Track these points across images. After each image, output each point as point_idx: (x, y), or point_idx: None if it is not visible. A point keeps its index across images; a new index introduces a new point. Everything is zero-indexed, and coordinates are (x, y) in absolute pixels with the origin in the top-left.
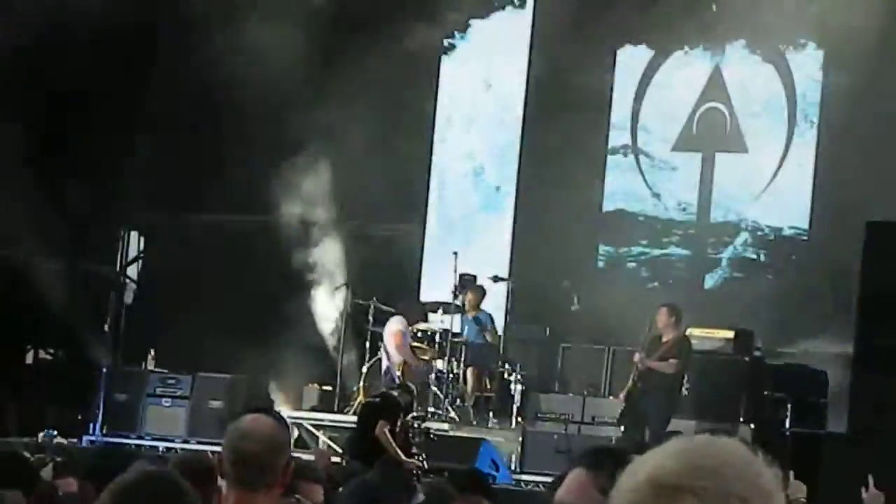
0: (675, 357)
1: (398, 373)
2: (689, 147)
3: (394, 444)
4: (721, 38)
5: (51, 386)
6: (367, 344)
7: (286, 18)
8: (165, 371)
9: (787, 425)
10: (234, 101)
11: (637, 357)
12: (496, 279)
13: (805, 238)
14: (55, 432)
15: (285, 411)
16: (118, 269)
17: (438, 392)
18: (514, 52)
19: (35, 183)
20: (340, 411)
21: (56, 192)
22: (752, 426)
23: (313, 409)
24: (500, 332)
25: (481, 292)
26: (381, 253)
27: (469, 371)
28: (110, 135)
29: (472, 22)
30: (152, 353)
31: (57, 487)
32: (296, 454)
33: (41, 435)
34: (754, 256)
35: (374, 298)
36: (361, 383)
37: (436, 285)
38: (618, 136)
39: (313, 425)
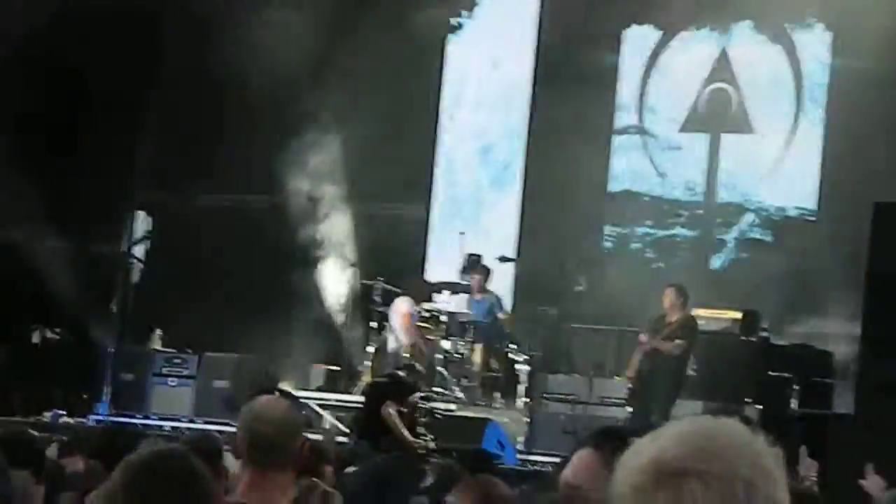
0: (682, 338)
1: (405, 353)
2: (695, 128)
3: (400, 425)
4: (728, 19)
5: (57, 366)
6: (374, 324)
7: None
8: (172, 351)
9: (794, 406)
10: (240, 81)
11: (643, 338)
12: (503, 259)
13: (812, 219)
14: (61, 412)
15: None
16: (125, 248)
17: (445, 372)
18: (522, 30)
19: (41, 163)
20: (347, 391)
21: (62, 171)
22: (759, 407)
23: (320, 389)
24: (507, 310)
25: (486, 272)
26: (387, 233)
27: (475, 351)
28: (117, 115)
29: (479, 0)
30: (159, 332)
31: (63, 467)
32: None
33: (47, 415)
34: (761, 237)
35: (381, 279)
36: (368, 363)
37: (442, 265)
38: (624, 116)
39: (319, 405)
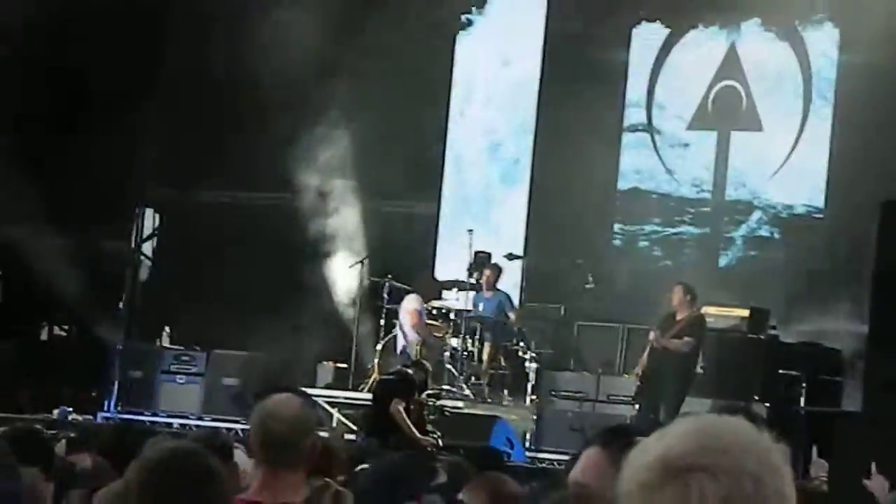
0: (690, 335)
1: (414, 351)
2: (704, 125)
3: (408, 422)
4: (736, 16)
5: (65, 363)
6: (382, 321)
7: None
8: (180, 348)
9: (802, 403)
10: (249, 78)
11: (652, 336)
12: (511, 257)
13: (820, 216)
14: (70, 409)
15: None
16: (133, 245)
17: (453, 369)
18: (531, 28)
19: (50, 159)
20: (355, 388)
21: (71, 169)
22: (767, 404)
23: (328, 387)
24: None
25: (498, 270)
26: (396, 230)
27: (484, 348)
28: (125, 112)
29: None
30: (167, 329)
31: (73, 464)
32: None
33: (56, 412)
34: (769, 235)
35: (389, 276)
36: (376, 360)
37: (451, 263)
38: (633, 113)
39: (328, 402)
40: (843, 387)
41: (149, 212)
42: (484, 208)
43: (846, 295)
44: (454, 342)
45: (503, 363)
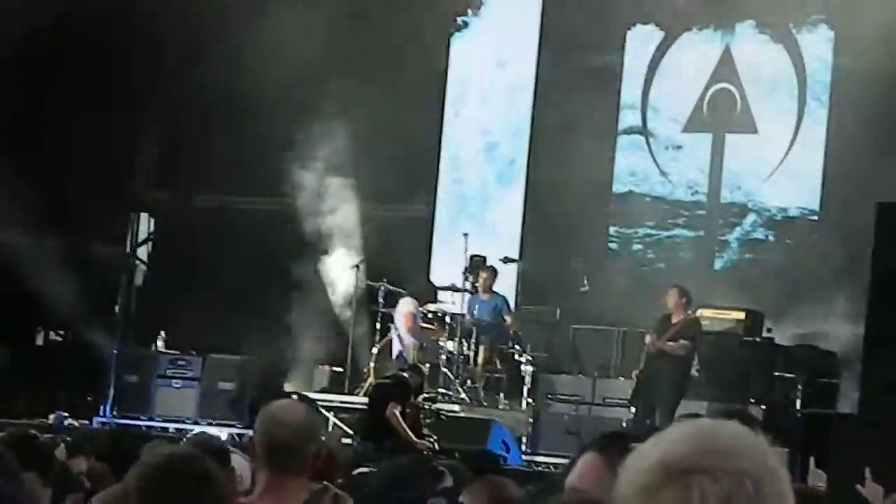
0: (685, 338)
1: (410, 354)
2: (699, 128)
3: (404, 426)
4: (731, 19)
5: (61, 368)
6: (378, 325)
7: None
8: (176, 352)
9: (798, 406)
10: (244, 82)
11: (648, 339)
12: (506, 260)
13: (815, 219)
14: (65, 414)
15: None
16: (128, 250)
17: (449, 373)
18: (526, 30)
19: (44, 164)
20: (351, 392)
21: (66, 173)
22: (763, 407)
23: (324, 391)
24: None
25: (494, 273)
26: (391, 233)
27: (480, 352)
28: (119, 117)
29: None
30: (163, 334)
31: (69, 468)
32: None
33: (51, 417)
34: (764, 237)
35: (385, 280)
36: (372, 364)
37: (447, 266)
38: (628, 116)
39: (324, 406)
40: (839, 389)
41: (144, 216)
42: (480, 208)
43: (842, 297)
44: (450, 345)
45: (499, 366)
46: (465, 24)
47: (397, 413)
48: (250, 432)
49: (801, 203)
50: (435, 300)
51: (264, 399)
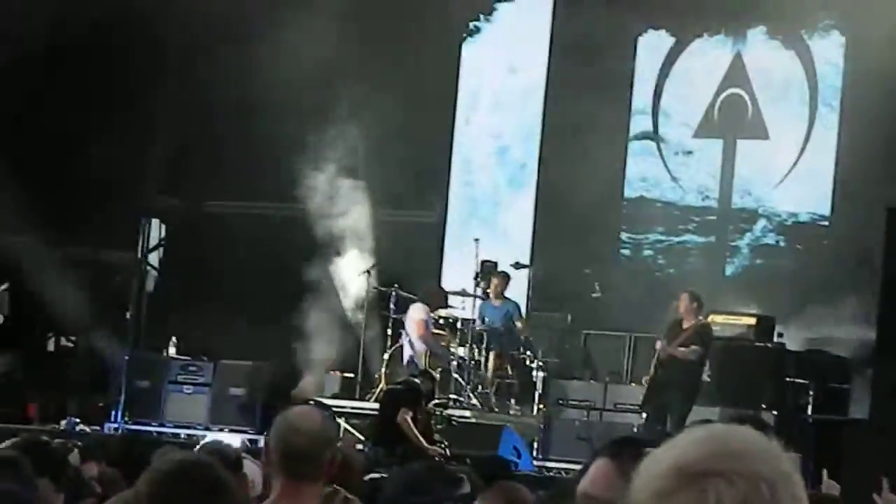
0: (697, 343)
1: (421, 360)
2: (710, 133)
3: (416, 432)
4: (742, 24)
5: (72, 374)
6: (389, 331)
7: (309, 0)
8: (187, 358)
9: (809, 412)
10: (254, 87)
11: (659, 344)
12: (518, 266)
13: (827, 224)
14: (77, 420)
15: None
16: (139, 256)
17: (460, 379)
18: (537, 36)
19: (56, 171)
20: (362, 398)
21: (77, 179)
22: (774, 412)
23: (335, 396)
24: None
25: (506, 279)
26: (403, 239)
27: (490, 358)
28: (130, 121)
29: (498, 5)
30: (174, 340)
31: (82, 473)
32: None
33: (63, 422)
34: (775, 243)
35: (396, 285)
36: (383, 370)
37: (459, 271)
38: (639, 121)
39: (335, 412)
40: (850, 394)
41: (155, 222)
42: (491, 212)
43: (853, 302)
44: (461, 351)
45: (510, 372)
46: (477, 30)
47: (409, 419)
48: (261, 438)
49: (811, 208)
50: (446, 305)
51: (276, 405)
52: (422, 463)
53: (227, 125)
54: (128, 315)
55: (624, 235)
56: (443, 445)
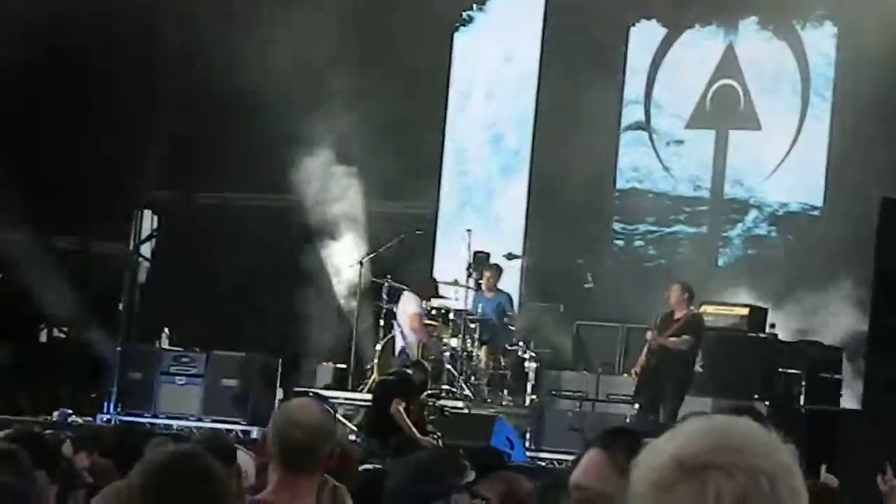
0: (688, 334)
1: (413, 351)
2: (702, 124)
3: (408, 422)
4: (734, 15)
5: (65, 365)
6: (382, 321)
7: None
8: (179, 349)
9: (802, 402)
10: (248, 78)
11: (649, 335)
12: (510, 256)
13: (819, 215)
14: (69, 411)
15: (298, 389)
16: (132, 247)
17: (453, 370)
18: (530, 25)
19: (47, 162)
20: (355, 389)
21: (70, 171)
22: (767, 403)
23: (327, 387)
24: (515, 309)
25: (499, 271)
26: (396, 229)
27: (483, 349)
28: (123, 113)
29: None
30: (166, 331)
31: (74, 464)
32: None
33: (55, 414)
34: (767, 233)
35: (389, 276)
36: (376, 361)
37: (450, 261)
38: (631, 112)
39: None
40: (842, 385)
41: (147, 213)
42: (485, 200)
43: (845, 293)
44: (454, 342)
45: (503, 363)
46: (470, 19)
47: (401, 410)
48: (254, 429)
49: (803, 199)
50: (437, 295)
51: (267, 397)
52: (427, 452)
53: (220, 117)
54: (120, 306)
55: (616, 226)
56: (435, 436)
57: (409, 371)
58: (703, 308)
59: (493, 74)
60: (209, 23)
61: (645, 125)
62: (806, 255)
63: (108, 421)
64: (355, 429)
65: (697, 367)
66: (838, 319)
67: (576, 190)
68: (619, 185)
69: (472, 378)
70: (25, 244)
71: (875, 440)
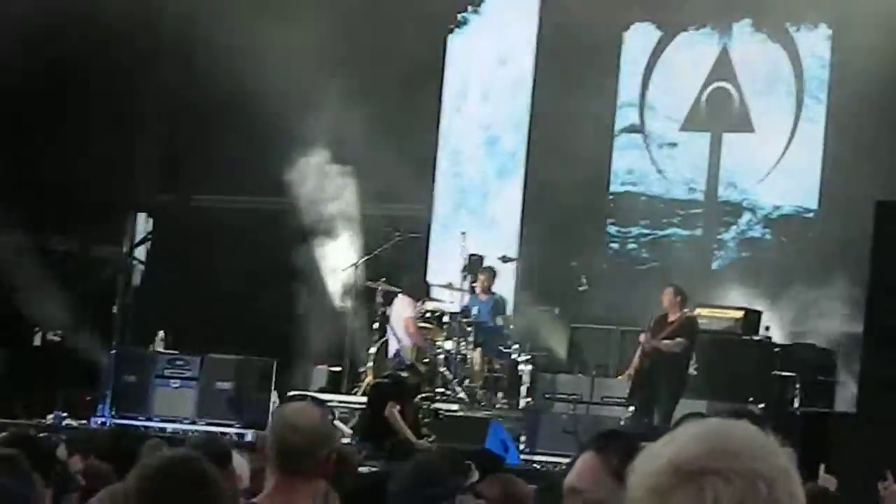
0: (682, 336)
1: (408, 354)
2: (696, 126)
3: (403, 425)
4: (728, 18)
5: (59, 368)
6: (377, 324)
7: None
8: (174, 352)
9: (796, 404)
10: (242, 81)
11: (643, 337)
12: (505, 259)
13: (814, 217)
14: (64, 414)
15: (294, 393)
16: (126, 250)
17: (447, 372)
18: (524, 28)
19: (43, 164)
20: (349, 392)
21: (64, 173)
22: (761, 405)
23: (322, 390)
24: (509, 312)
25: (493, 274)
26: (390, 232)
27: (477, 352)
28: (118, 116)
29: None
30: (161, 334)
31: (68, 467)
32: None
33: (50, 417)
34: (761, 236)
35: (383, 279)
36: (370, 364)
37: (445, 263)
38: (625, 114)
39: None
40: (837, 387)
41: (141, 216)
42: (480, 201)
43: (839, 295)
44: (448, 345)
45: (497, 366)
46: (465, 21)
47: (396, 412)
48: (249, 432)
49: (797, 201)
50: (429, 297)
51: (262, 400)
52: (432, 453)
53: (214, 119)
54: (114, 309)
55: (611, 228)
56: (430, 439)
57: (404, 374)
58: (698, 311)
59: (488, 76)
60: (204, 25)
61: (639, 128)
62: (800, 258)
63: (103, 424)
64: (350, 432)
65: (692, 370)
66: (832, 321)
67: (570, 192)
68: (614, 187)
69: (467, 381)
70: (19, 247)
71: (870, 442)
